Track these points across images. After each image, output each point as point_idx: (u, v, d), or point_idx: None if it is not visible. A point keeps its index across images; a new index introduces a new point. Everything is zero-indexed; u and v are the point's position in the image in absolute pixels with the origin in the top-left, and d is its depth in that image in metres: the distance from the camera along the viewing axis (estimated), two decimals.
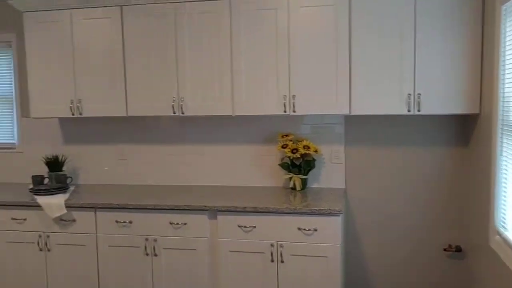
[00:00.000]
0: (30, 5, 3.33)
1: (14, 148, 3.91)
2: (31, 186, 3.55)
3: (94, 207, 3.10)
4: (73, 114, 3.38)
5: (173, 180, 3.65)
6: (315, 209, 2.80)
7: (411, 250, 3.36)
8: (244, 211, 2.90)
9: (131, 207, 3.03)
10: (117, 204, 3.05)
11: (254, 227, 2.90)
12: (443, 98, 2.88)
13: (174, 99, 3.21)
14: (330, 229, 2.81)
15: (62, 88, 3.38)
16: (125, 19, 3.24)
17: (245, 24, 3.07)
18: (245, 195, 3.20)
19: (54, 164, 3.60)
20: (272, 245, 2.88)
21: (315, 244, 2.83)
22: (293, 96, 3.05)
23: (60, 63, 3.36)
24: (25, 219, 3.21)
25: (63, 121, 3.80)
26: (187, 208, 2.96)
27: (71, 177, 3.66)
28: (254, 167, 3.51)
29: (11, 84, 3.87)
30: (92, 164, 3.78)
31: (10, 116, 3.91)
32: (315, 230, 2.83)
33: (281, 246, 2.87)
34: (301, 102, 3.05)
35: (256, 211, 2.88)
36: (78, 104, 3.36)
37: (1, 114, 3.92)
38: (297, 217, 2.84)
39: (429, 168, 3.29)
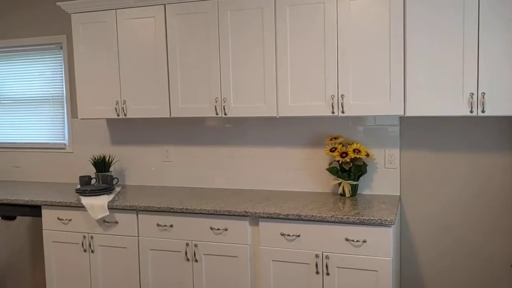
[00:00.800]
0: (77, 6, 3.34)
1: (65, 148, 3.97)
2: (79, 187, 3.58)
3: (135, 210, 3.05)
4: (118, 115, 3.36)
5: (216, 183, 3.55)
6: (364, 219, 2.58)
7: (473, 266, 3.03)
8: (287, 219, 2.73)
9: (171, 210, 2.95)
10: (157, 207, 2.98)
11: (298, 235, 2.72)
12: (511, 98, 2.56)
13: (216, 99, 3.10)
14: (381, 241, 2.58)
15: (108, 89, 3.37)
16: (168, 17, 3.17)
17: (291, 19, 2.90)
18: (289, 201, 3.03)
19: (101, 164, 3.60)
20: (317, 256, 2.68)
21: (364, 256, 2.61)
22: (342, 96, 2.84)
23: (106, 64, 3.36)
24: (70, 220, 3.22)
25: (111, 122, 3.81)
26: (228, 213, 2.83)
27: (117, 178, 3.65)
28: (300, 171, 3.33)
29: (62, 85, 3.93)
30: (138, 165, 3.76)
31: (61, 116, 3.97)
32: (364, 241, 2.60)
33: (327, 257, 2.67)
34: (351, 102, 2.83)
35: (300, 219, 2.70)
36: (123, 105, 3.34)
37: (53, 115, 4.00)
38: (345, 227, 2.63)
39: (494, 175, 2.96)
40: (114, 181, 3.63)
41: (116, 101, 3.35)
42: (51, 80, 3.96)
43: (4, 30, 4.04)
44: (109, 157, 3.67)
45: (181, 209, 2.92)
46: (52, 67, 3.95)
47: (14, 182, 4.08)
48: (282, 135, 3.36)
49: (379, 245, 2.58)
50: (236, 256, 2.85)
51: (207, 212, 2.87)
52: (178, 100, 3.20)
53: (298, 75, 2.92)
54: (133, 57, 3.28)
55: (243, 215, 2.81)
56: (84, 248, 3.20)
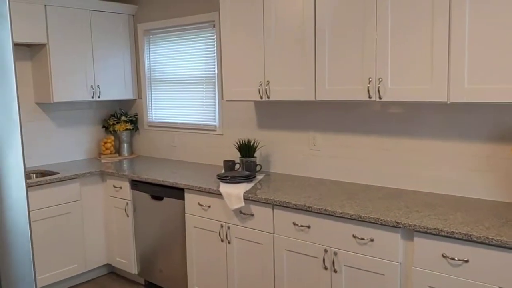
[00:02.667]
0: None
1: (215, 131, 3.87)
2: (223, 171, 3.42)
3: (271, 204, 2.74)
4: (261, 98, 3.06)
5: (367, 179, 3.01)
6: None
7: None
8: (451, 237, 2.09)
9: (308, 209, 2.55)
10: (294, 204, 2.61)
11: (466, 261, 2.06)
12: None
13: (370, 80, 2.55)
14: None
15: (252, 69, 3.09)
16: None
17: None
18: (458, 211, 2.35)
19: (246, 149, 3.38)
20: None
21: None
22: None
23: (251, 41, 3.07)
24: (209, 206, 3.08)
25: (258, 105, 3.55)
26: (374, 222, 2.30)
27: (260, 165, 3.39)
28: (478, 173, 2.58)
29: (214, 65, 3.80)
30: (283, 152, 3.43)
31: (213, 98, 3.87)
32: None
33: None
34: None
35: (469, 240, 2.03)
36: (266, 87, 3.02)
37: (206, 96, 3.92)
38: None
39: None
40: (257, 168, 3.38)
41: (260, 82, 3.05)
42: (205, 60, 3.87)
43: (162, 10, 4.09)
44: (254, 141, 3.42)
45: (319, 209, 2.50)
46: (206, 47, 3.85)
47: (170, 161, 4.17)
48: (456, 125, 2.64)
49: None
50: (383, 274, 2.32)
51: (349, 217, 2.39)
52: (325, 81, 2.75)
53: (480, 48, 2.19)
54: (279, 30, 2.93)
55: (394, 226, 2.25)
56: (221, 238, 3.03)
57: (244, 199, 2.84)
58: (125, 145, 4.49)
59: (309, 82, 2.81)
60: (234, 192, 2.88)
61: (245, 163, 3.33)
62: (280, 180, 3.22)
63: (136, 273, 3.73)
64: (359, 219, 2.35)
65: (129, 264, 3.75)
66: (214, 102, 3.85)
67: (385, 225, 2.28)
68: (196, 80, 3.96)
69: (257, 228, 2.83)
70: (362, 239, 2.37)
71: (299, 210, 2.61)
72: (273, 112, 3.46)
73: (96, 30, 4.07)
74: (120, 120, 4.45)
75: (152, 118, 4.43)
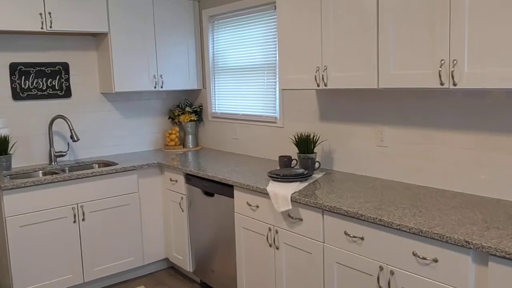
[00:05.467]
0: None
1: (276, 123, 3.55)
2: (278, 168, 3.11)
3: (321, 208, 2.37)
4: (318, 85, 2.69)
5: (444, 183, 2.51)
6: None
7: None
8: None
9: (361, 218, 2.14)
10: (345, 211, 2.21)
11: None
12: None
13: (442, 62, 2.07)
14: None
15: (309, 53, 2.72)
16: None
17: None
18: None
19: (304, 144, 3.03)
20: None
21: None
22: None
23: (308, 21, 2.70)
24: (257, 206, 2.78)
25: (320, 94, 3.17)
26: (438, 239, 1.85)
27: (318, 162, 3.02)
28: None
29: (275, 51, 3.48)
30: (347, 148, 3.02)
31: (273, 87, 3.55)
32: None
33: None
34: None
35: None
36: (323, 73, 2.64)
37: (267, 85, 3.61)
38: None
39: None
40: (316, 166, 3.01)
41: (317, 67, 2.68)
42: (266, 45, 3.56)
43: None
44: (314, 136, 3.05)
45: (373, 218, 2.09)
46: (267, 31, 3.54)
47: (233, 154, 3.94)
48: None
49: None
50: None
51: (408, 230, 1.95)
52: (389, 65, 2.30)
53: None
54: (337, 9, 2.52)
55: (463, 246, 1.78)
56: (269, 242, 2.72)
57: (292, 201, 2.50)
58: (190, 136, 4.35)
59: (370, 66, 2.38)
60: (282, 193, 2.55)
61: (302, 160, 2.98)
62: (341, 180, 2.82)
63: (191, 270, 3.57)
64: (420, 233, 1.90)
65: (184, 261, 3.60)
66: (275, 92, 3.53)
67: (451, 243, 1.81)
68: (257, 68, 3.67)
69: (306, 235, 2.48)
70: (424, 258, 1.92)
71: (351, 218, 2.22)
72: (337, 102, 3.06)
73: (159, 17, 3.95)
74: (185, 111, 4.31)
75: (215, 109, 4.23)
